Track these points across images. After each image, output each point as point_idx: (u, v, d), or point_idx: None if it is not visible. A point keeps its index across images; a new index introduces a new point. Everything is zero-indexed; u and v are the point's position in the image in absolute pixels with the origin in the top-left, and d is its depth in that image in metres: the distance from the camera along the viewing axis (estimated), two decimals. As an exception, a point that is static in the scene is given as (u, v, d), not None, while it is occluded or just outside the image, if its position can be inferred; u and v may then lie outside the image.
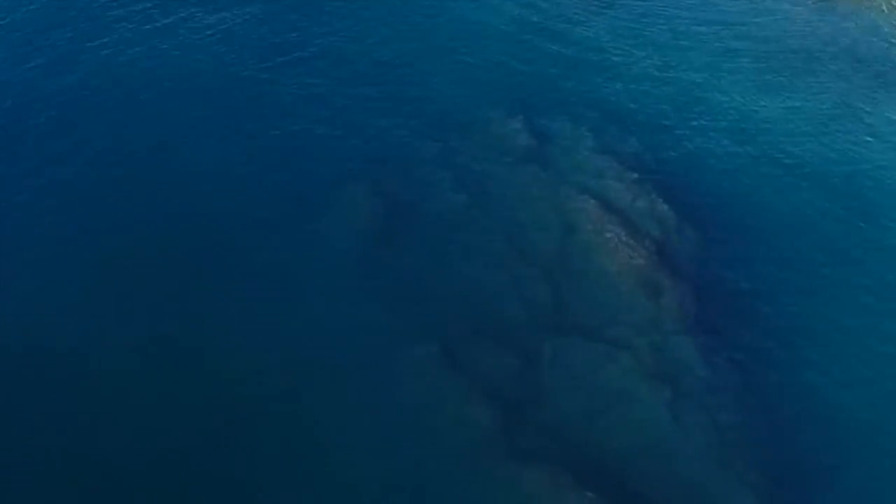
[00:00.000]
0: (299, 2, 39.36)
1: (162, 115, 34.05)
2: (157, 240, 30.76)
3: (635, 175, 32.81)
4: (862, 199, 33.57)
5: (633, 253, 30.68)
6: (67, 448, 25.55)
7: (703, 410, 27.45)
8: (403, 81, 36.54)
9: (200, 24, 38.37)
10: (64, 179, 32.08)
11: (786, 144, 34.64)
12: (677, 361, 28.35)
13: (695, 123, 35.37)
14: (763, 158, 34.23)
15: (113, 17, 38.36)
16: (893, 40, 40.25)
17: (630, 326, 29.03)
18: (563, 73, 37.02)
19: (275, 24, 38.27)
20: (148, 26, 38.07)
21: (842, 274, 31.22)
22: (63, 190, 31.74)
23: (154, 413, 26.55)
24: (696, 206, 32.39)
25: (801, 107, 36.08)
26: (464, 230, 31.78)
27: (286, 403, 27.04)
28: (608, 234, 31.10)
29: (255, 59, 36.56)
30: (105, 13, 38.56)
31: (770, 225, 32.09)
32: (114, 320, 28.42)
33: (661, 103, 35.98)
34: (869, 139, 35.74)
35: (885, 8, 41.42)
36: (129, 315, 28.68)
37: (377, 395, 27.44)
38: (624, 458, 26.57)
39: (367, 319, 29.24)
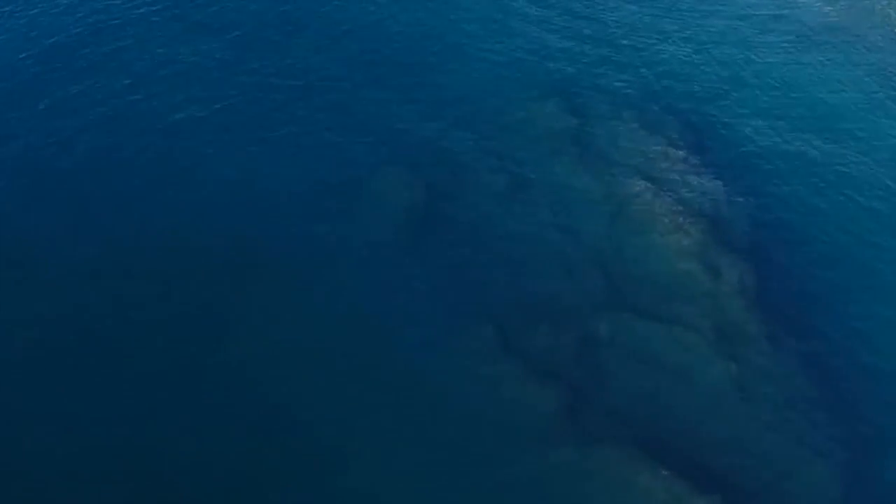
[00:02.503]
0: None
1: (207, 106, 33.59)
2: (198, 231, 30.10)
3: (681, 153, 32.21)
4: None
5: (687, 231, 30.03)
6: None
7: (770, 383, 26.89)
8: (433, 69, 35.78)
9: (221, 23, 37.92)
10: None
11: (830, 118, 34.09)
12: (740, 337, 27.73)
13: (736, 100, 34.78)
14: (807, 132, 33.64)
15: (136, 19, 37.78)
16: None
17: (690, 304, 28.40)
18: (596, 54, 36.38)
19: (302, 19, 37.73)
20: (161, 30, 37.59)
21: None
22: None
23: (201, 403, 25.99)
24: (745, 182, 31.80)
25: (844, 79, 35.56)
26: (508, 215, 31.08)
27: (339, 394, 26.34)
28: (659, 213, 30.47)
29: (289, 55, 35.86)
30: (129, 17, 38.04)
31: (820, 198, 31.53)
32: (152, 310, 27.91)
33: (700, 82, 35.41)
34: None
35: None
36: (168, 302, 28.11)
37: (434, 382, 26.69)
38: (694, 435, 25.97)
39: (417, 306, 28.53)
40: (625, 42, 36.97)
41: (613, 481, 24.71)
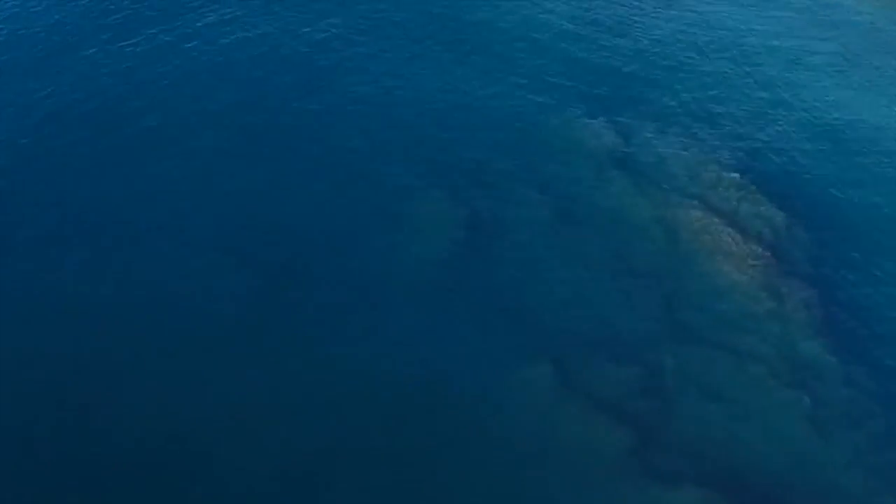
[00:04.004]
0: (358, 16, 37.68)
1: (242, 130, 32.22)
2: (227, 268, 28.71)
3: (733, 175, 31.17)
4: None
5: (746, 257, 28.97)
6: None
7: (846, 418, 25.74)
8: (471, 86, 34.66)
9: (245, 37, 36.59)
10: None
11: (880, 141, 33.28)
12: (811, 367, 26.62)
13: (780, 121, 33.88)
14: (858, 152, 32.80)
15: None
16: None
17: (755, 334, 27.28)
18: (637, 71, 35.43)
19: (339, 36, 36.41)
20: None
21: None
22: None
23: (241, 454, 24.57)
24: (801, 204, 30.78)
25: (889, 101, 34.75)
26: (556, 240, 29.90)
27: (390, 442, 24.86)
28: (716, 239, 29.37)
29: (324, 73, 34.61)
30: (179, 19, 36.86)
31: (880, 220, 30.59)
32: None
33: (745, 99, 34.50)
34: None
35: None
36: (198, 343, 26.51)
37: (493, 424, 25.27)
38: (768, 473, 24.74)
39: (467, 345, 27.09)
40: (662, 61, 36.01)
41: (686, 523, 23.59)
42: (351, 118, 32.88)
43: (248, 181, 30.57)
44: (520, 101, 33.98)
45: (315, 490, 23.50)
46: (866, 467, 24.88)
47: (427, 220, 30.31)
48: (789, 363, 26.64)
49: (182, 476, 23.30)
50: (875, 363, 26.85)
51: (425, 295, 28.34)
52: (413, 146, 32.25)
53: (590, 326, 27.66)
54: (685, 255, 29.07)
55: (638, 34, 37.32)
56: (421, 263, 29.14)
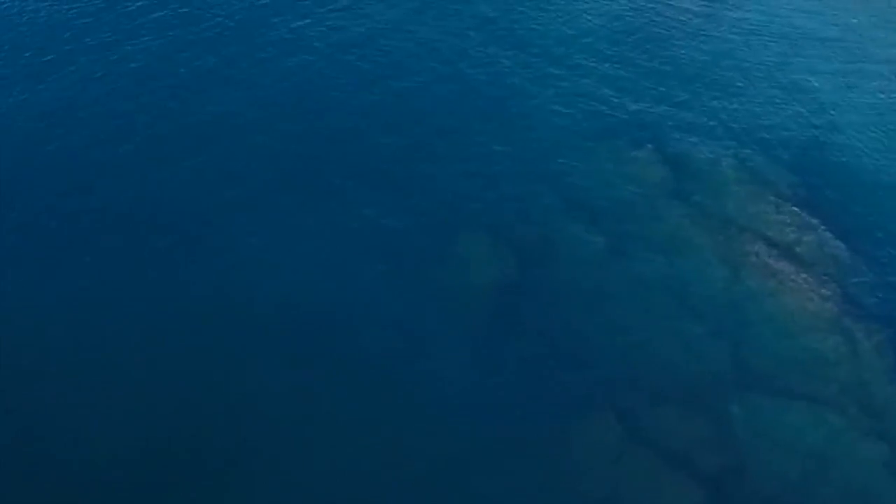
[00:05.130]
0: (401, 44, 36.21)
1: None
2: (267, 317, 27.09)
3: (794, 208, 29.78)
4: None
5: (812, 295, 27.62)
6: None
7: (930, 470, 24.52)
8: (509, 112, 33.14)
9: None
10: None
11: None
12: (889, 415, 25.36)
13: (835, 147, 32.56)
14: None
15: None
16: None
17: (828, 379, 25.96)
18: (682, 96, 33.99)
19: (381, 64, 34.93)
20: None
21: None
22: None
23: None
24: (865, 239, 29.46)
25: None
26: (611, 278, 28.46)
27: (446, 490, 23.61)
28: (779, 275, 28.02)
29: (346, 113, 33.03)
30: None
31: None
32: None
33: (797, 126, 33.12)
34: None
35: None
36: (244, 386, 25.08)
37: (556, 479, 23.94)
38: (853, 531, 23.57)
39: (522, 386, 25.75)
40: (707, 87, 34.56)
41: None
42: (385, 150, 31.52)
43: (296, 229, 29.12)
44: (561, 131, 32.49)
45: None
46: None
47: (473, 258, 28.90)
48: (866, 411, 25.34)
49: None
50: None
51: (474, 341, 26.85)
52: (450, 179, 30.82)
53: (652, 372, 26.29)
54: (748, 293, 27.71)
55: (681, 58, 35.81)
56: (469, 306, 27.67)
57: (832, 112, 33.84)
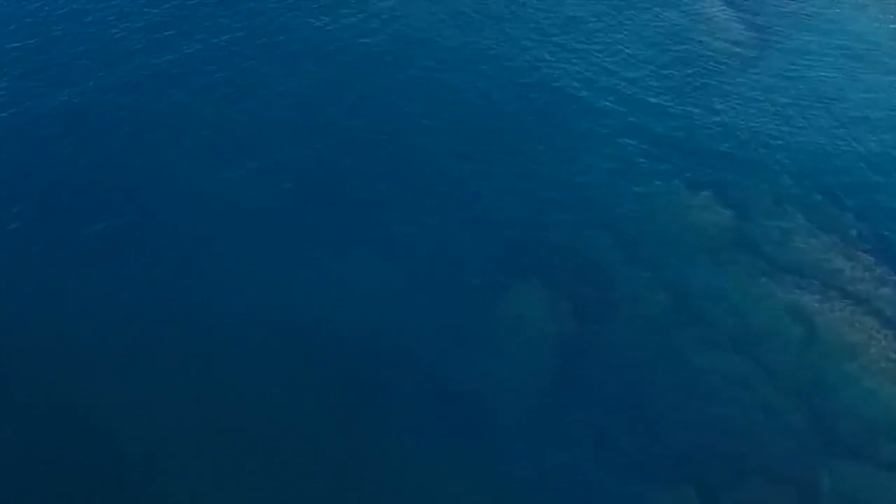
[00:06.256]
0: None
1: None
2: (303, 374, 25.31)
3: (868, 258, 28.09)
4: None
5: (894, 354, 26.06)
6: None
7: None
8: (559, 158, 31.41)
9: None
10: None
11: None
12: None
13: (899, 191, 31.02)
14: None
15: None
16: None
17: (920, 445, 24.42)
18: (737, 131, 32.37)
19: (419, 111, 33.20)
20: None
21: None
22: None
23: None
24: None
25: None
26: (678, 340, 26.65)
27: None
28: (857, 332, 26.34)
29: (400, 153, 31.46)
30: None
31: None
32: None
33: (855, 171, 31.32)
34: None
35: None
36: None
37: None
38: None
39: (590, 459, 24.04)
40: (764, 122, 32.87)
41: None
42: (434, 197, 29.85)
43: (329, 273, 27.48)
44: (610, 179, 30.75)
45: None
46: None
47: (524, 314, 27.16)
48: (966, 481, 23.79)
49: None
50: None
51: (538, 405, 25.22)
52: (497, 225, 29.13)
53: (730, 440, 24.56)
54: (826, 354, 26.02)
55: (732, 92, 34.16)
56: (524, 365, 25.97)
57: (887, 158, 32.16)
